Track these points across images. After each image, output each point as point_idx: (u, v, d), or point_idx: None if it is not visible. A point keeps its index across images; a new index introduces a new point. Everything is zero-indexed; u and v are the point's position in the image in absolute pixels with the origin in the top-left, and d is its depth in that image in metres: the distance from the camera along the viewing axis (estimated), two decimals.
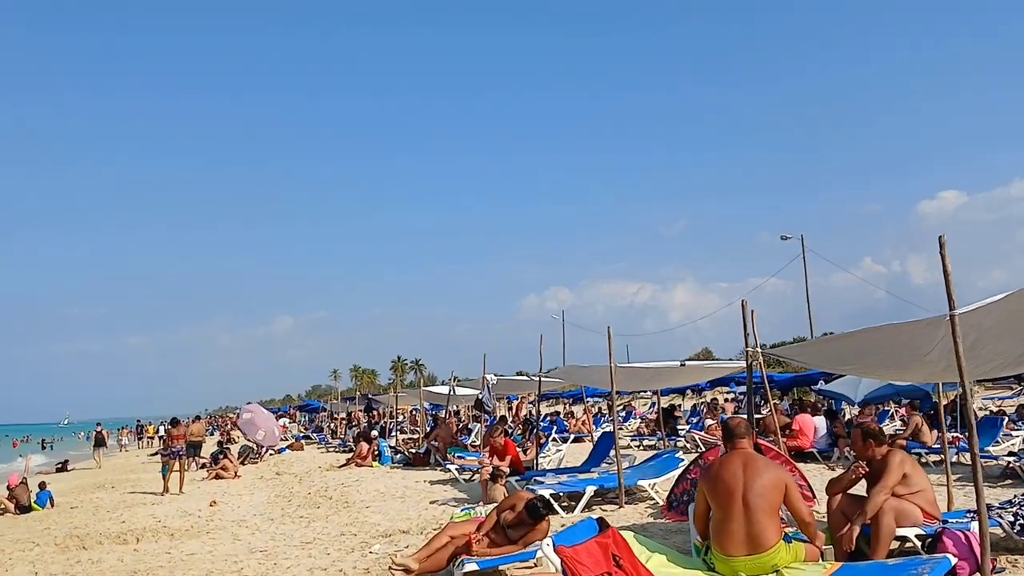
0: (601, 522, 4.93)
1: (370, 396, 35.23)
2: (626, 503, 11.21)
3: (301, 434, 38.52)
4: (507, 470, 12.42)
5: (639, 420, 36.80)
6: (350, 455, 24.98)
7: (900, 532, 6.36)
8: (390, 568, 7.24)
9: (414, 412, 39.39)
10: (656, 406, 49.03)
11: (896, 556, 6.18)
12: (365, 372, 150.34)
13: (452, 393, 21.22)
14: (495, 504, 11.33)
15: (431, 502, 13.14)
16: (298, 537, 11.45)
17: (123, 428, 54.90)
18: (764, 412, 27.65)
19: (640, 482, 11.32)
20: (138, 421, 55.29)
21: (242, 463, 24.40)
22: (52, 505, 17.31)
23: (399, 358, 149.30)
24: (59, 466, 31.04)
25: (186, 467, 24.57)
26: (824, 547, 5.84)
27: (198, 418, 32.65)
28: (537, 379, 20.66)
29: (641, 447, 22.62)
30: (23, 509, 16.83)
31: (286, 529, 12.31)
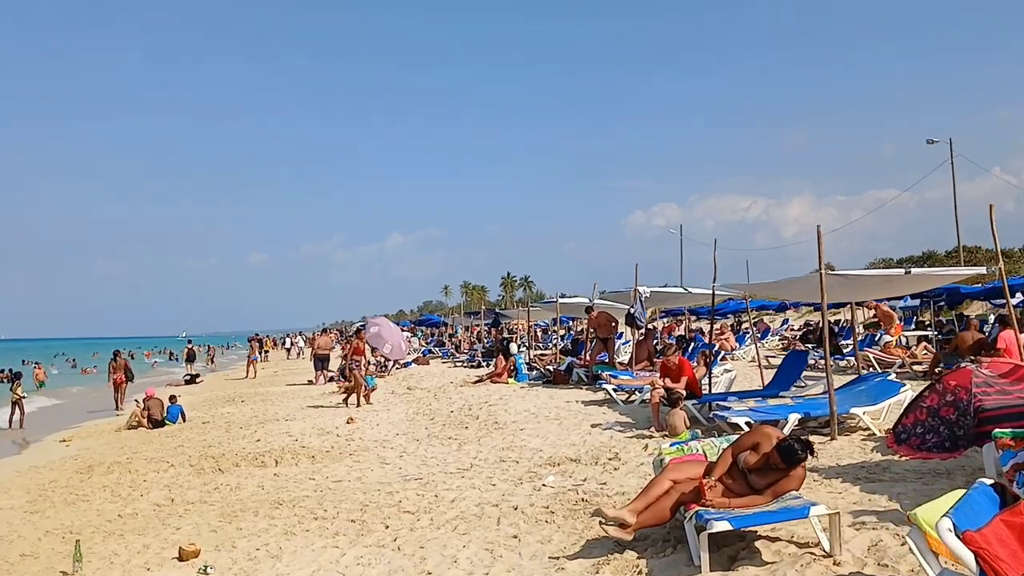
0: (1001, 489, 3.21)
1: (497, 311, 34.00)
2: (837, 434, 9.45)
3: (425, 348, 37.87)
4: (684, 393, 10.78)
5: (776, 337, 34.46)
6: (480, 370, 23.98)
7: None
8: (601, 524, 5.75)
9: (536, 327, 38.07)
10: (788, 323, 46.34)
11: None
12: (475, 288, 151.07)
13: (592, 306, 19.60)
14: (679, 433, 9.77)
15: (592, 426, 11.66)
16: (452, 462, 10.21)
17: (251, 341, 55.28)
18: (927, 330, 25.06)
19: (853, 410, 9.51)
20: (255, 335, 55.53)
21: None
22: (184, 420, 16.79)
23: (508, 275, 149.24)
24: (187, 378, 31.23)
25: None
26: None
27: (325, 331, 32.15)
28: (689, 291, 18.92)
29: None
30: (156, 424, 16.35)
31: (436, 452, 11.11)
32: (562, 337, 38.48)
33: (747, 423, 9.15)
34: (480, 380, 20.10)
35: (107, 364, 23.14)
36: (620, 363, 17.72)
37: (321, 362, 25.65)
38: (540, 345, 34.21)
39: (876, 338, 20.70)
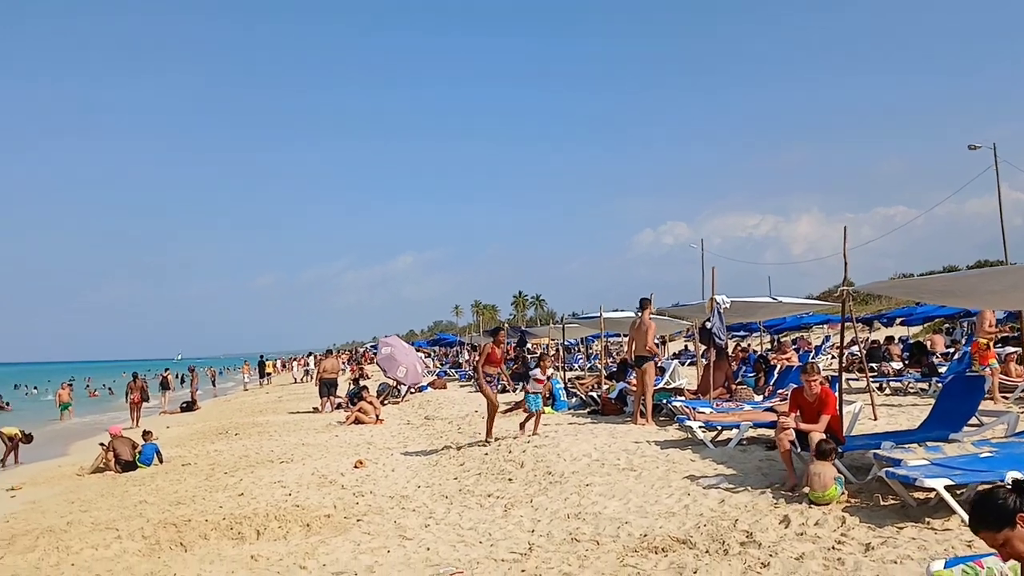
0: None
1: (523, 329, 30.81)
2: None
3: (440, 369, 34.82)
4: (832, 441, 7.72)
5: (827, 356, 31.21)
6: (508, 395, 20.97)
7: None
8: None
9: (560, 347, 34.96)
10: (829, 340, 42.86)
11: None
12: (486, 308, 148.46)
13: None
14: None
15: (687, 479, 8.59)
16: (501, 538, 7.19)
17: (245, 363, 51.61)
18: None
19: None
20: (261, 356, 51.80)
21: (382, 403, 20.67)
22: (160, 461, 13.85)
23: (520, 293, 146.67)
24: (184, 406, 28.33)
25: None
26: None
27: (329, 352, 29.15)
28: (778, 300, 15.95)
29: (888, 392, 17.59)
30: (125, 466, 13.43)
31: (474, 518, 8.09)
32: (589, 357, 35.40)
33: (947, 486, 6.14)
34: (512, 408, 17.09)
35: (106, 387, 21.09)
36: (690, 391, 14.64)
37: (327, 387, 22.74)
38: (564, 366, 31.14)
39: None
